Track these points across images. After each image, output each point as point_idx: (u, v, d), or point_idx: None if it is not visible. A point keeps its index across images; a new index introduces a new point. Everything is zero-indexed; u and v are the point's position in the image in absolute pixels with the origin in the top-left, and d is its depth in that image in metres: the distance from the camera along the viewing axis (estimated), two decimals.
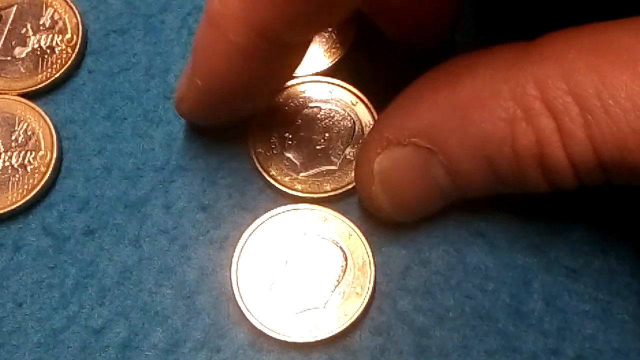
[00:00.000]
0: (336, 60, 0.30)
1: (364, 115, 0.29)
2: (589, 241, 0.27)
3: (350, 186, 0.28)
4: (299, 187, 0.28)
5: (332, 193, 0.28)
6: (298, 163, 0.28)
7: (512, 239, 0.27)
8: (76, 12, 0.31)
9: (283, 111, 0.29)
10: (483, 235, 0.28)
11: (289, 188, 0.28)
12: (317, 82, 0.30)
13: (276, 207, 0.28)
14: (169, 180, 0.29)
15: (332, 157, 0.28)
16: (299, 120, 0.29)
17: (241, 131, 0.29)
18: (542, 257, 0.27)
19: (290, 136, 0.29)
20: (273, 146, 0.29)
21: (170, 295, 0.27)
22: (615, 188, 0.27)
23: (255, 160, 0.28)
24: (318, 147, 0.28)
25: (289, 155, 0.28)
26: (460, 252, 0.27)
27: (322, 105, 0.29)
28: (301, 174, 0.28)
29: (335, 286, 0.27)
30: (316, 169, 0.28)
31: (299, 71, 0.29)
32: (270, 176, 0.28)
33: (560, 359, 0.26)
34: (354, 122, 0.29)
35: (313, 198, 0.28)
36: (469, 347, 0.26)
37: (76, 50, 0.31)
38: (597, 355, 0.26)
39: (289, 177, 0.28)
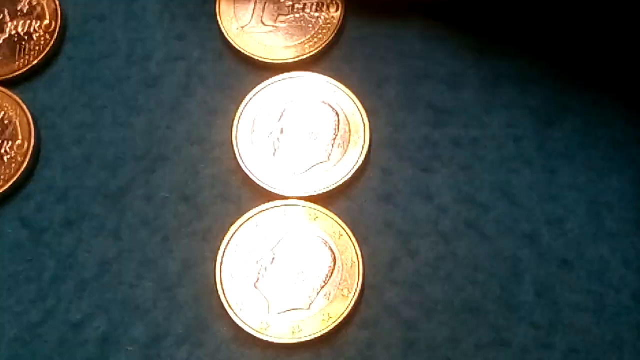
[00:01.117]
0: (319, 49, 0.29)
1: (346, 103, 0.28)
2: (582, 231, 0.27)
3: (343, 180, 0.27)
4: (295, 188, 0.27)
5: (326, 190, 0.27)
6: (292, 168, 0.28)
7: (503, 230, 0.27)
8: None
9: (266, 117, 0.28)
10: (473, 225, 0.27)
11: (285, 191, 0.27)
12: (287, 78, 0.29)
13: (260, 199, 0.27)
14: (150, 170, 0.28)
15: (322, 152, 0.28)
16: (282, 128, 0.28)
17: (225, 121, 0.28)
18: (533, 248, 0.27)
19: (278, 139, 0.28)
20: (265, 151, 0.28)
21: (151, 288, 0.27)
22: (608, 178, 0.27)
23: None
24: (307, 145, 0.28)
25: (282, 159, 0.28)
26: (450, 243, 0.27)
27: (302, 104, 0.28)
28: (295, 174, 0.27)
29: (322, 287, 0.26)
30: (309, 166, 0.27)
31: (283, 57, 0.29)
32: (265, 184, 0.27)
33: (552, 353, 0.25)
34: (336, 113, 0.28)
35: (308, 197, 0.27)
36: (458, 340, 0.26)
37: (55, 36, 0.30)
38: (590, 349, 0.25)
39: (285, 179, 0.27)
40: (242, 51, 0.29)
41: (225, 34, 0.29)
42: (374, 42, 0.29)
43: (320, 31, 0.29)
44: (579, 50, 0.29)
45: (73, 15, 0.31)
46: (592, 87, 0.29)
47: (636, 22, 0.29)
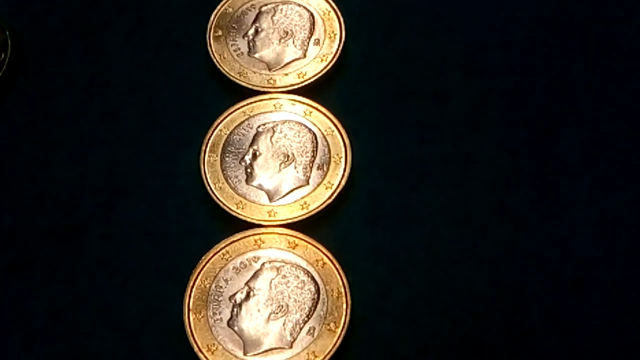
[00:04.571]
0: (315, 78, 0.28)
1: (323, 123, 0.27)
2: (591, 251, 0.25)
3: (325, 204, 0.25)
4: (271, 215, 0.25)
5: (306, 215, 0.25)
6: (268, 194, 0.26)
7: (503, 253, 0.25)
8: (5, 28, 0.29)
9: (237, 142, 0.26)
10: (470, 249, 0.25)
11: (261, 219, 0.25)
12: (258, 100, 0.27)
13: (233, 230, 0.25)
14: (109, 206, 0.26)
15: (300, 176, 0.26)
16: (255, 152, 0.26)
17: (192, 148, 0.26)
18: (538, 271, 0.25)
19: (251, 164, 0.26)
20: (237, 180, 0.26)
21: (110, 337, 0.24)
22: (614, 193, 0.25)
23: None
24: (283, 169, 0.26)
25: (256, 185, 0.26)
26: (445, 270, 0.25)
27: (275, 126, 0.27)
28: (271, 200, 0.25)
29: (305, 322, 0.24)
30: (286, 191, 0.26)
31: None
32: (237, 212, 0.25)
33: None
34: (313, 133, 0.26)
35: (286, 224, 0.25)
36: None
37: (3, 69, 0.28)
38: None
39: (260, 206, 0.25)
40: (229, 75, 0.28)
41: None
42: (352, 59, 0.28)
43: None
44: (566, 56, 0.28)
45: (30, 49, 0.29)
46: (589, 93, 0.27)
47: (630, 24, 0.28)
